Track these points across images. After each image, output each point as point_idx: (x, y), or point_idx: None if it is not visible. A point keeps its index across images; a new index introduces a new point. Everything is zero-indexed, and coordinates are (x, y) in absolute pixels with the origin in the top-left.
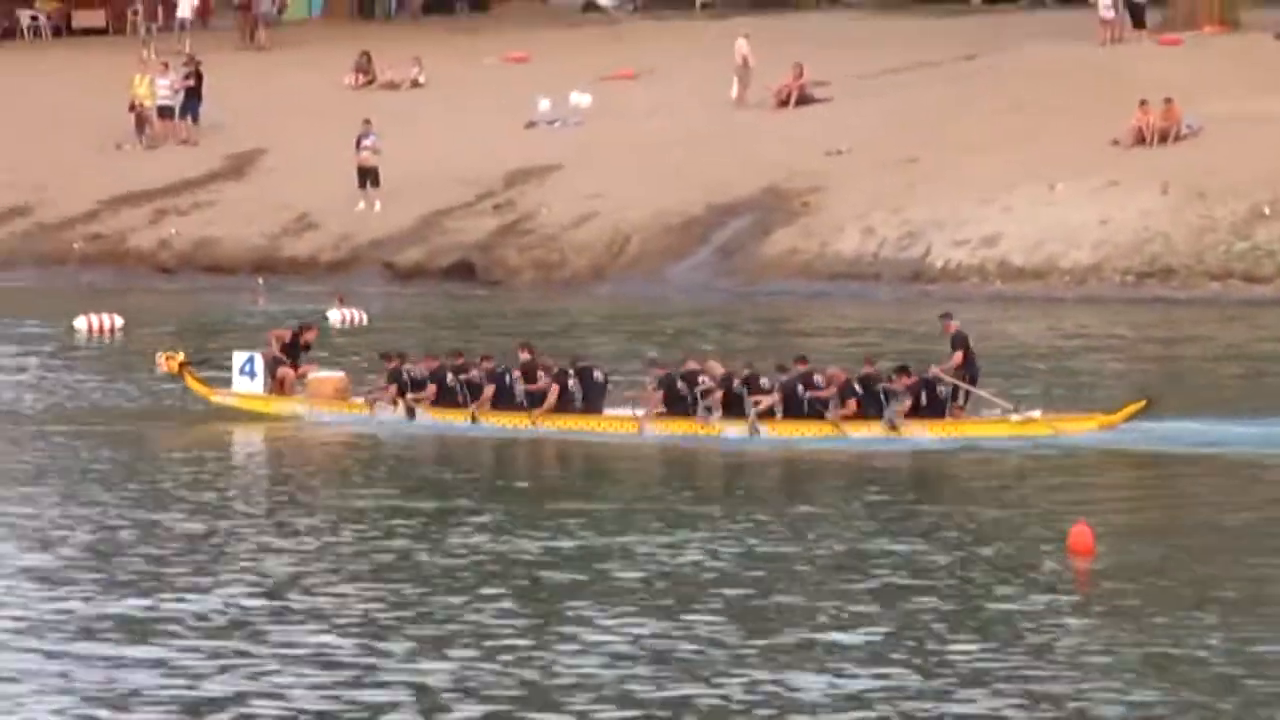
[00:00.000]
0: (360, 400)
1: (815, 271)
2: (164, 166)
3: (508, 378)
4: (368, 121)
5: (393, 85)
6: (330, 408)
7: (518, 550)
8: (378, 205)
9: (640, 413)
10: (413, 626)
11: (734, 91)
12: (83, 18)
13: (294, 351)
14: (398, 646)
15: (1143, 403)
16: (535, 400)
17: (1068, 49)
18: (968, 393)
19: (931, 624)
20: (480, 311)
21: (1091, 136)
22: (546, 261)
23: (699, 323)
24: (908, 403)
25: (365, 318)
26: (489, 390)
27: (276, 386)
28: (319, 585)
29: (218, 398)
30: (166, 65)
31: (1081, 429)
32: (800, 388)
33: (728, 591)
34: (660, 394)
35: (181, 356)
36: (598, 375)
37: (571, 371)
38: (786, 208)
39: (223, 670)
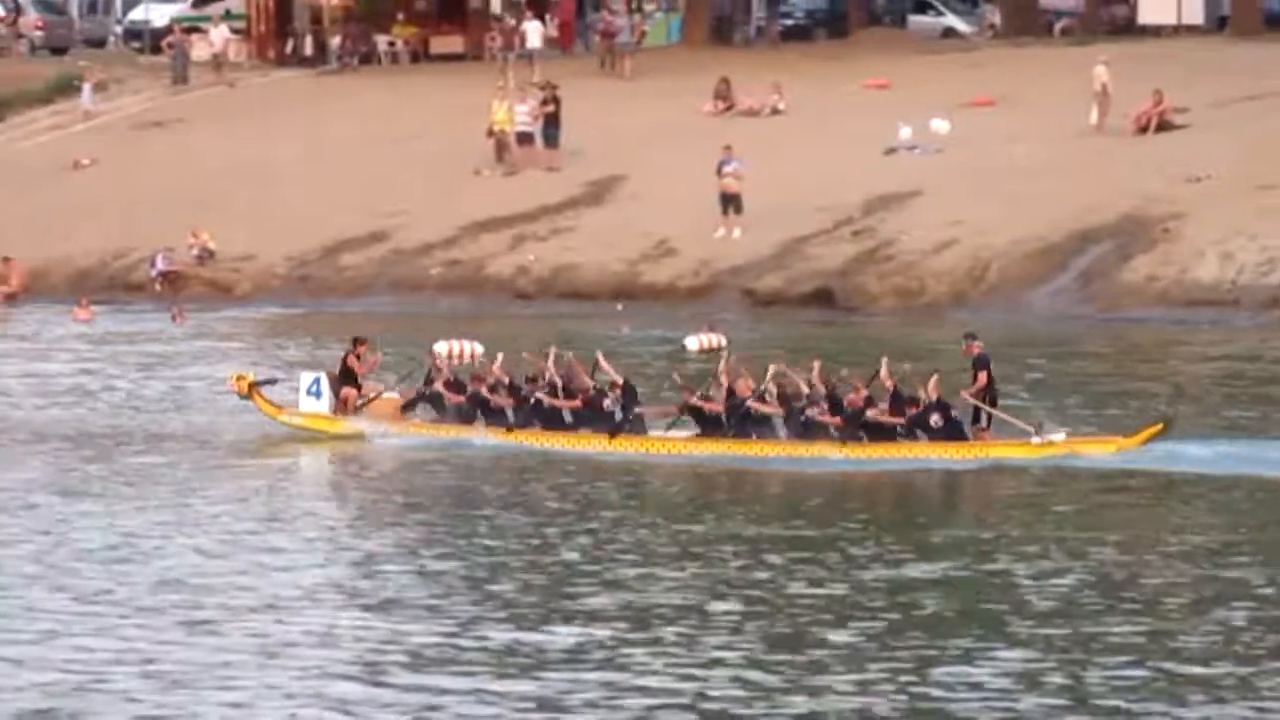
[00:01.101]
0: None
1: (1173, 298)
2: (523, 192)
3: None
4: (728, 148)
5: (752, 112)
6: (392, 427)
7: (883, 578)
8: (737, 232)
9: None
10: (786, 656)
11: (1093, 118)
12: (440, 44)
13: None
14: (770, 678)
15: (1160, 425)
16: (580, 418)
17: None
18: (989, 414)
19: None
20: (837, 338)
21: None
22: (906, 288)
23: (1058, 350)
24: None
25: (724, 341)
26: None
27: (340, 406)
28: (682, 616)
29: (284, 417)
30: (524, 91)
31: (1101, 451)
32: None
33: (1094, 625)
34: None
35: (251, 377)
36: (607, 404)
37: (613, 391)
38: (1146, 234)
39: (591, 706)
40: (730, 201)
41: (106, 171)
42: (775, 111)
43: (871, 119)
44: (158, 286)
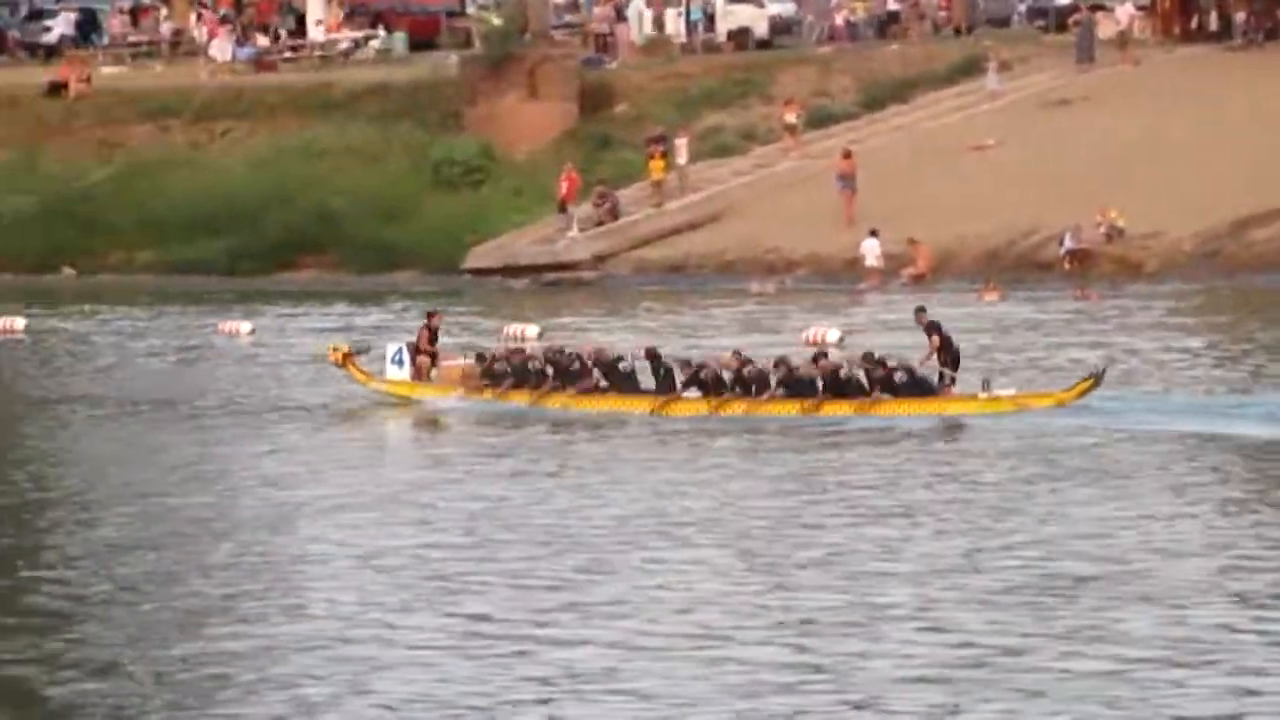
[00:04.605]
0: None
1: None
2: None
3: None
4: None
5: None
6: (456, 392)
7: None
8: None
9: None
10: None
11: None
12: None
13: (431, 339)
14: None
15: (1090, 380)
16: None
17: None
18: (944, 374)
19: None
20: None
21: None
22: None
23: None
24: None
25: None
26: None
27: (416, 373)
28: None
29: (374, 384)
30: None
31: (1041, 404)
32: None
33: None
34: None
35: (345, 348)
36: (623, 366)
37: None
38: None
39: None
40: None
41: (1012, 151)
42: None
43: None
44: (1066, 265)
